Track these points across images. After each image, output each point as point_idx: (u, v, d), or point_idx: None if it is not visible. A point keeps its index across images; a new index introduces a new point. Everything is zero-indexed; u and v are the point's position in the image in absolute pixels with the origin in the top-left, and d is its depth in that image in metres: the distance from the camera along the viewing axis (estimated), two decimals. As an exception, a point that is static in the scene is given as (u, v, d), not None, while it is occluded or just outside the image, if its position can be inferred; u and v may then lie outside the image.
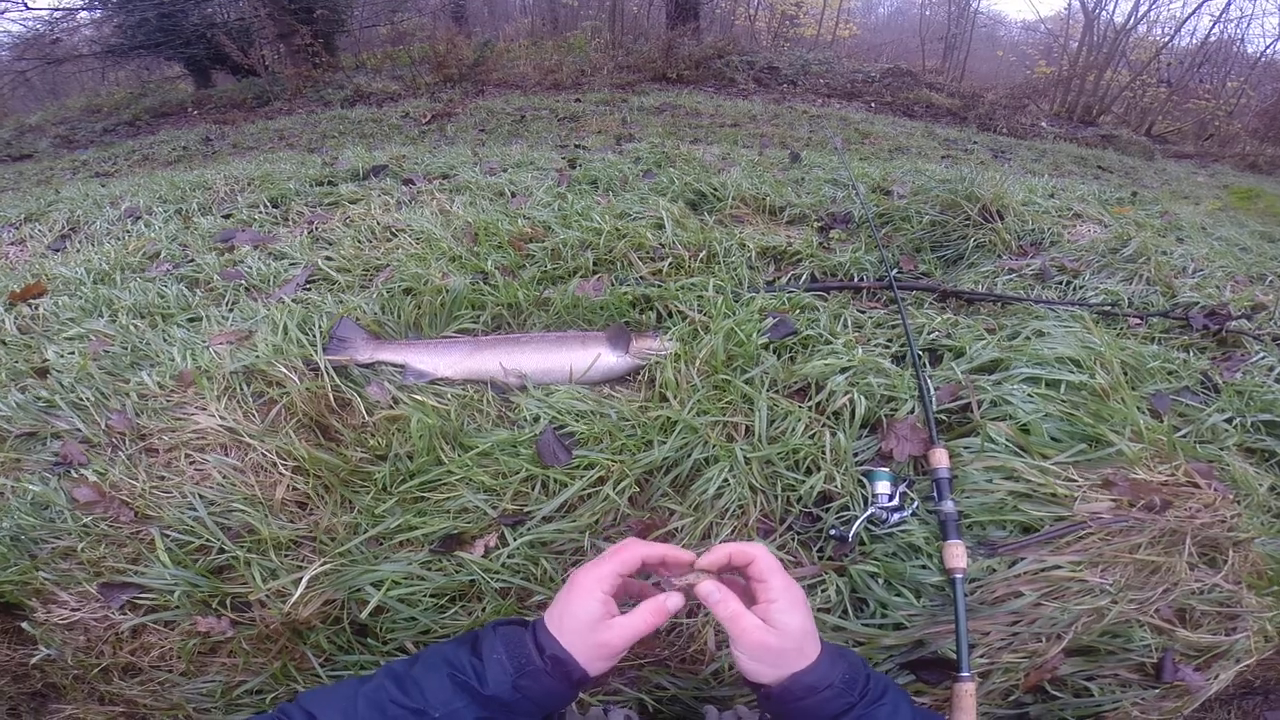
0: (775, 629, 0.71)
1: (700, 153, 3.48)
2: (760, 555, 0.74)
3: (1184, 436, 1.38)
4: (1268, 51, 13.58)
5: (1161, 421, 1.37)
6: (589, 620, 0.70)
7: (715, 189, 2.44)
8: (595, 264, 1.86)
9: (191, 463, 1.29)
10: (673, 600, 0.74)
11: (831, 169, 3.12)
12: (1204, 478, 1.25)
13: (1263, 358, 1.71)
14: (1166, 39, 13.03)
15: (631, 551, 0.75)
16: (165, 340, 1.61)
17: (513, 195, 2.50)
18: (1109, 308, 1.81)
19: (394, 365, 1.52)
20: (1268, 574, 1.22)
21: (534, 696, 0.69)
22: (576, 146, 4.27)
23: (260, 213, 2.50)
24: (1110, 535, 1.14)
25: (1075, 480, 1.20)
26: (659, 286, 1.72)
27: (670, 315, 1.65)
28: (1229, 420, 1.46)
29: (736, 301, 1.64)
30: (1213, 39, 13.22)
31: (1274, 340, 1.79)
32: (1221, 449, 1.38)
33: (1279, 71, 13.29)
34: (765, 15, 14.66)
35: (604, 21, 11.58)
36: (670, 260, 1.86)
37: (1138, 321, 1.80)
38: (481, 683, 0.69)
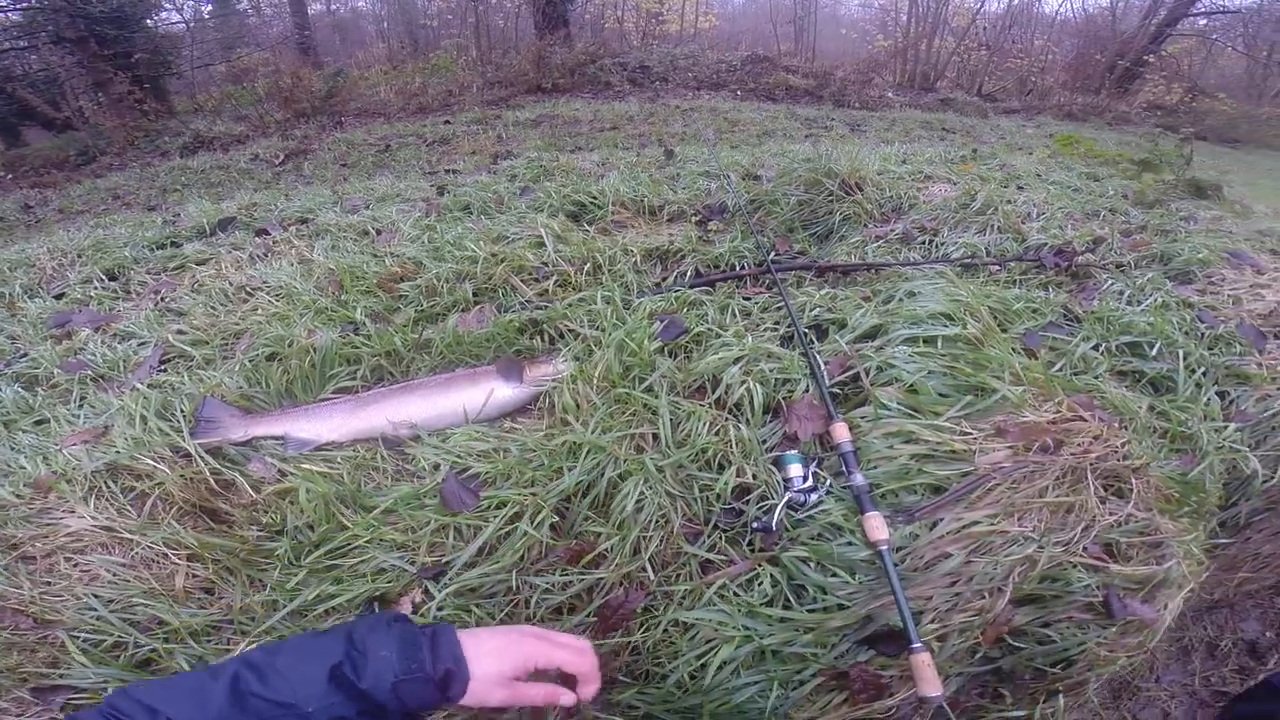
0: None
1: (580, 161, 3.44)
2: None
3: (1059, 371, 1.45)
4: (1061, 10, 15.38)
5: (1036, 359, 1.44)
6: (513, 670, 0.76)
7: (594, 197, 2.41)
8: (475, 295, 1.77)
9: (74, 565, 1.14)
10: (566, 698, 0.81)
11: (704, 161, 3.18)
12: (1086, 410, 1.28)
13: (1111, 284, 1.88)
14: (979, 4, 14.44)
15: (589, 660, 0.84)
16: (11, 448, 1.39)
17: (378, 233, 2.34)
18: (970, 259, 1.94)
19: (273, 438, 1.38)
20: (1174, 497, 1.26)
21: (406, 699, 0.70)
22: (447, 171, 4.12)
23: (97, 288, 2.20)
24: (1015, 483, 1.15)
25: (970, 433, 1.23)
26: (546, 308, 1.66)
27: (562, 336, 1.59)
28: (1095, 347, 1.57)
29: (626, 309, 1.61)
30: (1015, 2, 14.79)
31: (1118, 268, 1.99)
32: (1095, 378, 1.45)
33: (1074, 28, 15.07)
34: (633, 16, 14.89)
35: (469, 38, 11.30)
36: (555, 278, 1.80)
37: (997, 268, 1.94)
38: (359, 676, 0.68)
